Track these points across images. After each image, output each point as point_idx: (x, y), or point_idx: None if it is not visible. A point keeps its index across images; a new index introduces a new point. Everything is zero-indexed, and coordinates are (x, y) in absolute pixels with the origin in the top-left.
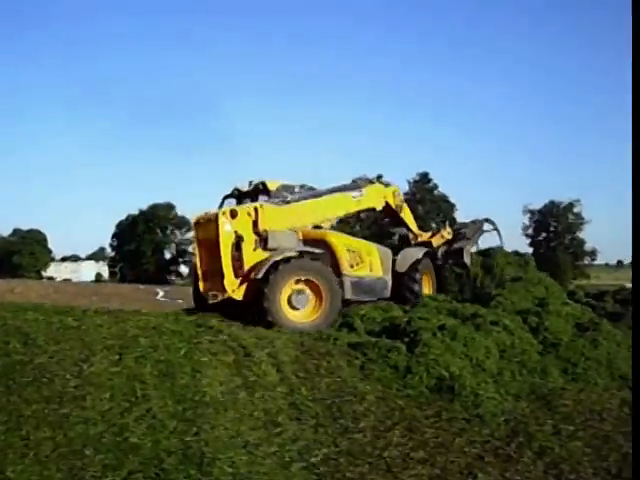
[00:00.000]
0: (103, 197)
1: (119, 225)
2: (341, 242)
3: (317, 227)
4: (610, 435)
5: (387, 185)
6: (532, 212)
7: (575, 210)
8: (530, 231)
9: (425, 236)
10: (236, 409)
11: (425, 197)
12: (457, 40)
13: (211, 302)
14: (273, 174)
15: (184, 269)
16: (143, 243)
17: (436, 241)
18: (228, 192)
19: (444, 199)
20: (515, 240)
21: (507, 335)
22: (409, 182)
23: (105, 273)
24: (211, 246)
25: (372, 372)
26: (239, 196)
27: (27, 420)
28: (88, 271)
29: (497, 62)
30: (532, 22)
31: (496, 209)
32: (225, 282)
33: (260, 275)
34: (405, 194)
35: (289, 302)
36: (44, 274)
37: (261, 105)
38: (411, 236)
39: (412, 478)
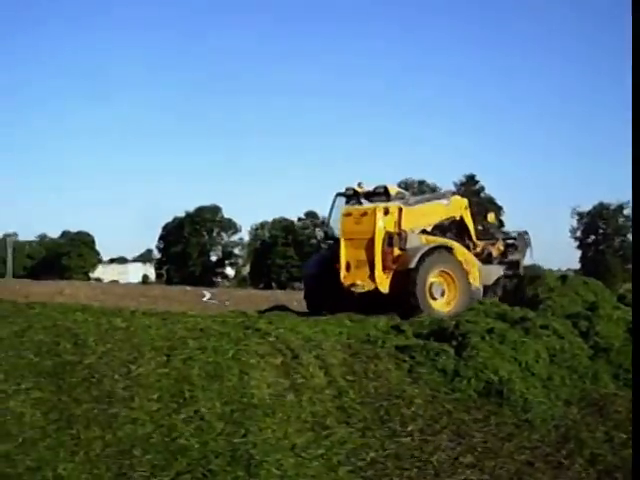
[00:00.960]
0: (150, 199)
1: (165, 227)
2: (460, 252)
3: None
4: None
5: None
6: (581, 214)
7: (625, 212)
8: (579, 234)
9: (481, 245)
10: (284, 411)
11: (471, 199)
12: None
13: (357, 292)
14: (311, 175)
15: (230, 271)
16: (189, 245)
17: (494, 252)
18: (341, 190)
19: (491, 201)
20: (563, 243)
21: (557, 339)
22: (455, 184)
23: (152, 275)
24: (360, 238)
25: (420, 375)
26: (352, 195)
27: (77, 419)
28: (135, 273)
29: (539, 60)
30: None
31: (543, 211)
32: (376, 274)
33: (413, 264)
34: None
35: (429, 291)
36: (92, 276)
37: (286, 105)
38: (471, 245)
39: None
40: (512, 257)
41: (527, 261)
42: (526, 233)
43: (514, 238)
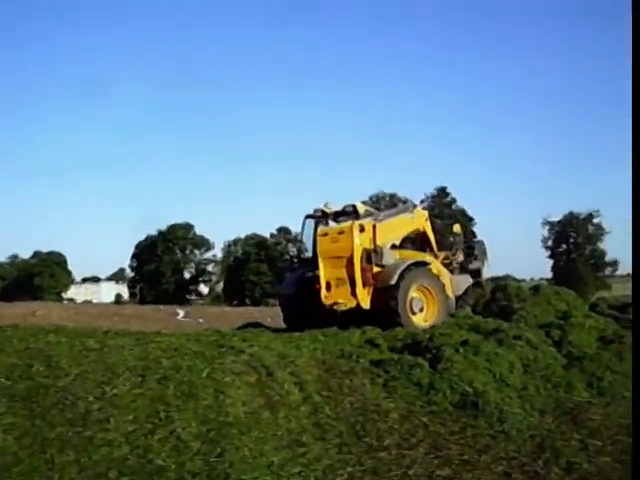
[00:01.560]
0: (122, 218)
1: (138, 246)
2: (435, 265)
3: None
4: None
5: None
6: (551, 224)
7: (595, 221)
8: (550, 243)
9: (443, 256)
10: (260, 429)
11: (443, 211)
12: (465, 48)
13: (341, 310)
14: (283, 191)
15: (204, 288)
16: (162, 263)
17: (455, 262)
18: (310, 212)
19: (462, 213)
20: (535, 252)
21: (530, 349)
22: (427, 196)
23: (125, 294)
24: (338, 257)
25: (395, 389)
26: (321, 217)
27: (51, 443)
28: (108, 292)
29: (509, 70)
30: (543, 30)
31: (514, 221)
32: (357, 291)
33: (393, 281)
34: (422, 209)
35: (410, 306)
36: (64, 296)
37: (268, 116)
38: (432, 256)
39: None
40: (472, 266)
41: (486, 268)
42: (482, 243)
43: (472, 247)
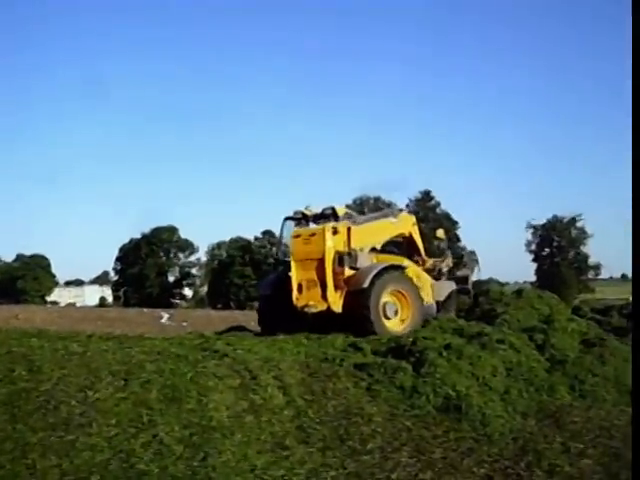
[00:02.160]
0: (106, 221)
1: (122, 249)
2: (413, 270)
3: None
4: (620, 452)
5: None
6: (535, 227)
7: (578, 224)
8: (533, 247)
9: (430, 262)
10: (243, 433)
11: (428, 215)
12: (456, 49)
13: (311, 312)
14: (272, 194)
15: (188, 292)
16: (146, 266)
17: (443, 268)
18: (290, 214)
19: (447, 217)
20: (520, 256)
21: (513, 353)
22: (411, 200)
23: (109, 297)
24: (310, 259)
25: (379, 393)
26: (300, 219)
27: (33, 448)
28: (92, 295)
29: (498, 73)
30: (531, 29)
31: (498, 225)
32: (328, 294)
33: (365, 284)
34: (408, 213)
35: (383, 311)
36: (48, 299)
37: (261, 121)
38: (420, 261)
39: None
40: (461, 273)
41: (475, 277)
42: (473, 253)
43: (462, 255)
